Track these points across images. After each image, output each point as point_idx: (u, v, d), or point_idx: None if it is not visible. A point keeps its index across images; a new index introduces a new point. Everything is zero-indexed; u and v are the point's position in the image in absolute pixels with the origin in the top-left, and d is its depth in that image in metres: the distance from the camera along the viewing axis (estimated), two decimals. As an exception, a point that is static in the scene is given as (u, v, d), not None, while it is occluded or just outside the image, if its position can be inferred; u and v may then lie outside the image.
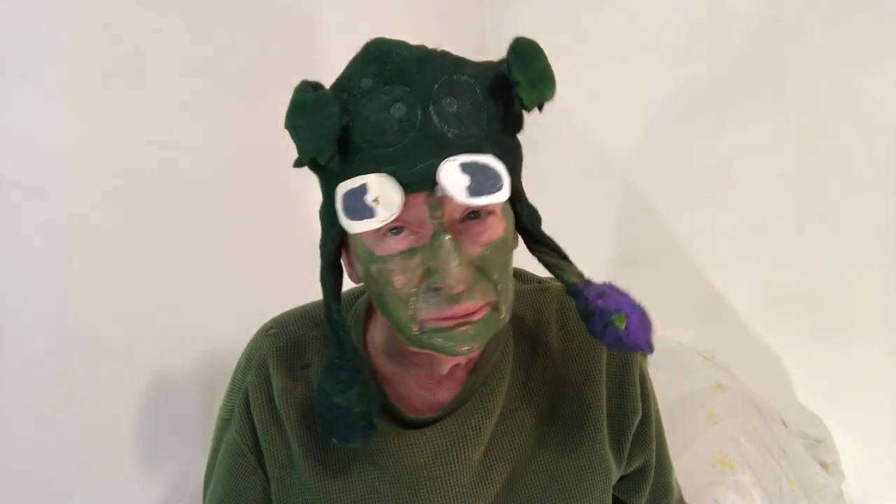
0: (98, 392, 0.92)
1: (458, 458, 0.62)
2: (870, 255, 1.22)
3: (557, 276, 0.59)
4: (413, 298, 0.52)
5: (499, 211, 0.53)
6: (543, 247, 0.60)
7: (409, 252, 0.51)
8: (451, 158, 0.48)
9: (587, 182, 1.55)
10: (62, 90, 0.88)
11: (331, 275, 0.58)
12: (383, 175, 0.48)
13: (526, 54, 0.52)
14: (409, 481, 0.62)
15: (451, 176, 0.48)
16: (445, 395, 0.64)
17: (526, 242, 0.61)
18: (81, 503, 0.90)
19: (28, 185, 0.84)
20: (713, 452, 1.12)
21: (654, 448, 0.74)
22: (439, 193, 0.49)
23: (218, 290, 1.09)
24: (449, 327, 0.52)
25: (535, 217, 0.59)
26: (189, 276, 1.04)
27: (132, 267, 0.97)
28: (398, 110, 0.49)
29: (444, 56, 0.53)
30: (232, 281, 1.11)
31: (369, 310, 0.68)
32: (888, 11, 1.15)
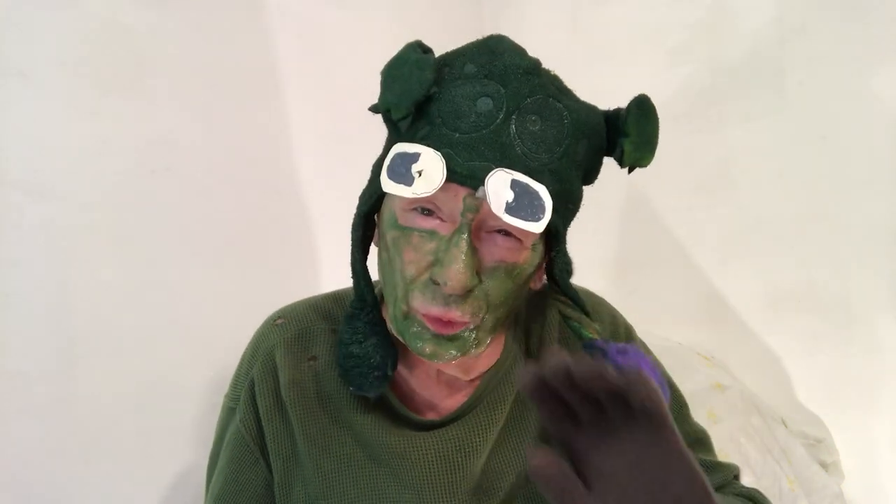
0: (98, 392, 0.92)
1: (461, 464, 0.62)
2: (870, 255, 1.22)
3: (574, 330, 0.58)
4: (412, 285, 0.52)
5: (528, 243, 0.53)
6: (567, 298, 0.59)
7: (429, 234, 0.51)
8: (507, 171, 0.48)
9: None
10: (62, 90, 0.88)
11: (361, 226, 0.58)
12: (438, 154, 0.49)
13: (648, 113, 0.53)
14: (414, 482, 0.61)
15: (498, 186, 0.48)
16: (455, 401, 0.64)
17: (550, 289, 0.60)
18: (81, 503, 0.90)
19: (28, 185, 0.84)
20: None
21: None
22: (480, 196, 0.49)
23: (218, 290, 1.09)
24: (430, 331, 0.52)
25: (567, 269, 0.58)
26: (189, 276, 1.04)
27: (132, 267, 0.97)
28: (484, 104, 0.50)
29: (552, 79, 0.53)
30: (232, 280, 1.11)
31: (381, 296, 0.67)
32: (888, 12, 1.15)
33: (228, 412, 0.68)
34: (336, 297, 0.70)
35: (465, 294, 0.51)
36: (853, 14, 1.19)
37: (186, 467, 1.00)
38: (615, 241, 1.55)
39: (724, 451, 1.12)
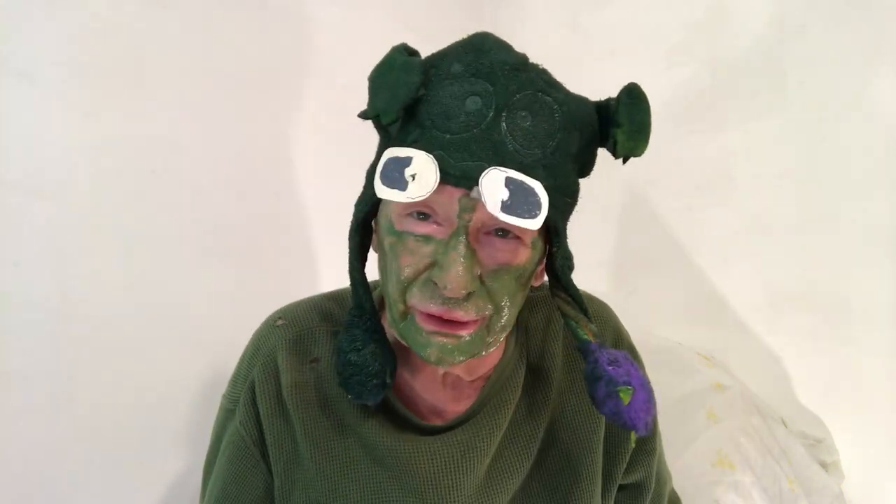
0: (98, 392, 0.92)
1: (466, 468, 0.61)
2: (870, 255, 1.22)
3: (571, 330, 0.57)
4: (411, 284, 0.52)
5: (527, 241, 0.52)
6: (567, 296, 0.58)
7: (425, 239, 0.51)
8: (500, 169, 0.48)
9: (587, 182, 1.55)
10: (62, 90, 0.88)
11: (358, 234, 0.58)
12: (430, 156, 0.48)
13: (638, 101, 0.53)
14: (417, 487, 0.61)
15: (492, 185, 0.47)
16: (460, 405, 0.64)
17: (551, 286, 0.60)
18: (81, 503, 0.90)
19: (28, 185, 0.84)
20: (713, 452, 1.12)
21: (655, 461, 0.73)
22: (474, 196, 0.48)
23: (217, 290, 1.09)
24: (430, 331, 0.52)
25: (568, 264, 0.57)
26: (189, 276, 1.04)
27: (132, 267, 0.97)
28: (473, 104, 0.49)
29: (540, 73, 0.52)
30: (232, 280, 1.11)
31: (381, 302, 0.67)
32: (888, 12, 1.15)
33: (227, 413, 0.67)
34: (336, 297, 0.70)
35: (466, 296, 0.50)
36: (853, 14, 1.19)
37: (186, 467, 1.00)
38: (615, 241, 1.55)
39: (723, 451, 1.12)
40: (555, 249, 0.55)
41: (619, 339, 0.71)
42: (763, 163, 1.32)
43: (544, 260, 0.58)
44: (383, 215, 0.55)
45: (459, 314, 0.51)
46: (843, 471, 1.28)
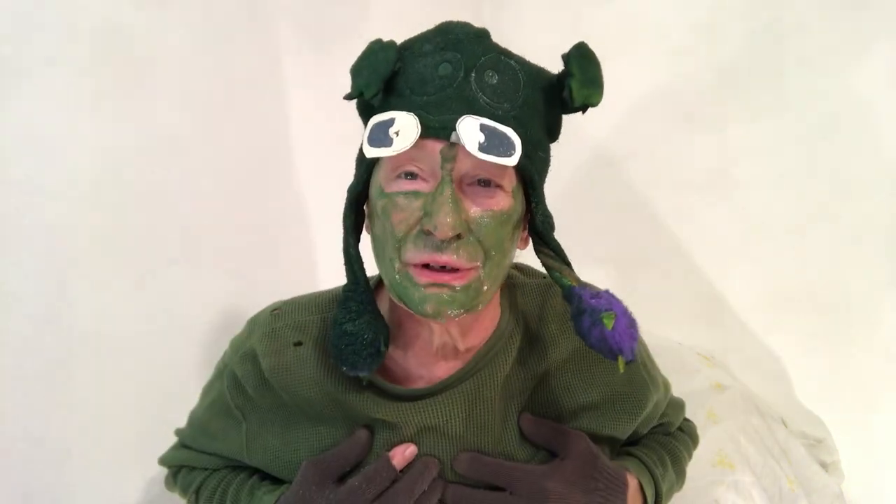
0: (98, 392, 0.92)
1: (445, 434, 0.63)
2: (870, 255, 1.22)
3: (556, 280, 0.60)
4: (405, 240, 0.55)
5: (509, 189, 0.56)
6: (549, 250, 0.61)
7: (414, 194, 0.54)
8: (474, 116, 0.53)
9: (587, 182, 1.55)
10: (62, 90, 0.88)
11: (352, 213, 0.62)
12: (410, 114, 0.53)
13: (587, 56, 0.58)
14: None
15: (468, 129, 0.52)
16: (443, 372, 0.65)
17: (534, 243, 0.63)
18: (81, 503, 0.90)
19: (28, 185, 0.84)
20: (713, 452, 1.12)
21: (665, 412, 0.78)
22: (454, 140, 0.52)
23: (217, 290, 1.09)
24: (425, 283, 0.54)
25: (548, 222, 0.61)
26: (188, 276, 1.04)
27: (132, 267, 0.97)
28: (444, 69, 0.55)
29: (498, 44, 0.58)
30: (231, 280, 1.11)
31: (378, 285, 0.70)
32: (888, 11, 1.15)
33: (219, 374, 0.74)
34: (331, 292, 0.73)
35: (457, 240, 0.53)
36: (853, 14, 1.19)
37: (186, 467, 1.00)
38: (615, 241, 1.55)
39: (723, 451, 1.12)
40: (533, 205, 0.59)
41: None
42: (763, 163, 1.32)
43: (526, 223, 0.62)
44: (374, 185, 0.58)
45: (451, 258, 0.53)
46: (843, 471, 1.28)
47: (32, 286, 0.85)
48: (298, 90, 1.23)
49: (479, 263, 0.55)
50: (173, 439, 0.82)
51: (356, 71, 0.58)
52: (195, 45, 1.06)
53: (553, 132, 0.62)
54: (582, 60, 0.58)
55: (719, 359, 1.40)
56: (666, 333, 1.41)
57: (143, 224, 0.98)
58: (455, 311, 0.55)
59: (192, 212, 1.05)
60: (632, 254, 1.53)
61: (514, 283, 0.72)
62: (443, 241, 0.53)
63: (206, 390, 0.77)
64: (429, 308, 0.54)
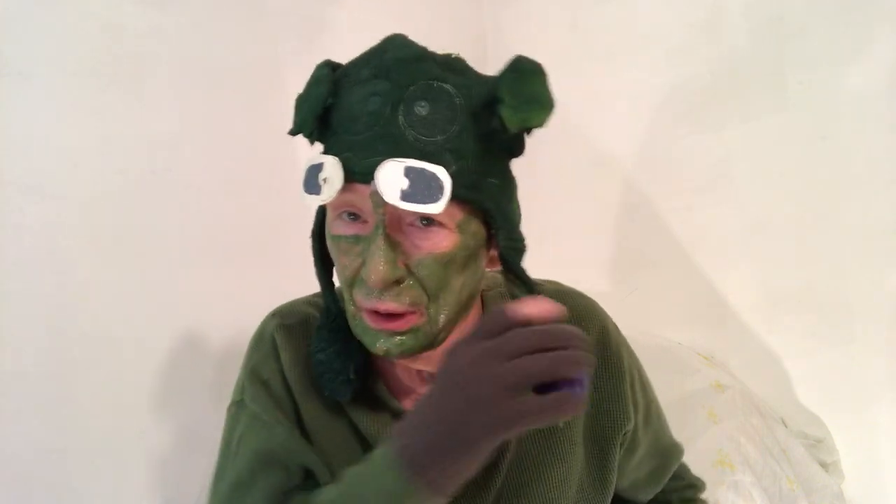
0: (98, 392, 0.92)
1: None
2: (870, 255, 1.22)
3: None
4: (353, 282, 0.54)
5: (452, 225, 0.52)
6: (516, 278, 0.58)
7: (355, 239, 0.53)
8: (397, 160, 0.49)
9: (587, 182, 1.55)
10: (62, 90, 0.88)
11: (317, 240, 0.61)
12: (336, 159, 0.51)
13: (521, 74, 0.52)
14: None
15: (389, 176, 0.48)
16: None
17: (503, 268, 0.60)
18: (81, 503, 0.90)
19: (28, 185, 0.84)
20: (713, 452, 1.12)
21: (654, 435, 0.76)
22: (374, 189, 0.49)
23: (218, 290, 1.09)
24: (375, 328, 0.54)
25: (515, 248, 0.57)
26: (188, 276, 1.04)
27: (132, 267, 0.97)
28: (373, 103, 0.51)
29: (439, 62, 0.53)
30: (231, 280, 1.11)
31: None
32: (887, 11, 1.15)
33: (236, 408, 0.66)
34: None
35: (396, 287, 0.51)
36: (853, 14, 1.19)
37: (186, 467, 1.00)
38: (615, 241, 1.55)
39: (723, 451, 1.12)
40: (493, 232, 0.56)
41: (605, 336, 0.71)
42: (763, 163, 1.32)
43: (491, 246, 0.58)
44: (326, 223, 0.57)
45: (392, 305, 0.52)
46: (843, 471, 1.28)
47: (32, 286, 0.85)
48: (299, 90, 1.22)
49: (423, 307, 0.53)
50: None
51: (298, 104, 0.57)
52: (195, 45, 1.06)
53: (512, 149, 0.57)
54: (514, 80, 0.51)
55: (719, 359, 1.40)
56: (666, 333, 1.41)
57: (143, 224, 0.98)
58: (407, 353, 0.54)
59: (192, 212, 1.05)
60: (632, 254, 1.53)
61: (485, 299, 0.69)
62: (381, 290, 0.51)
63: (230, 453, 0.64)
64: (381, 349, 0.54)
